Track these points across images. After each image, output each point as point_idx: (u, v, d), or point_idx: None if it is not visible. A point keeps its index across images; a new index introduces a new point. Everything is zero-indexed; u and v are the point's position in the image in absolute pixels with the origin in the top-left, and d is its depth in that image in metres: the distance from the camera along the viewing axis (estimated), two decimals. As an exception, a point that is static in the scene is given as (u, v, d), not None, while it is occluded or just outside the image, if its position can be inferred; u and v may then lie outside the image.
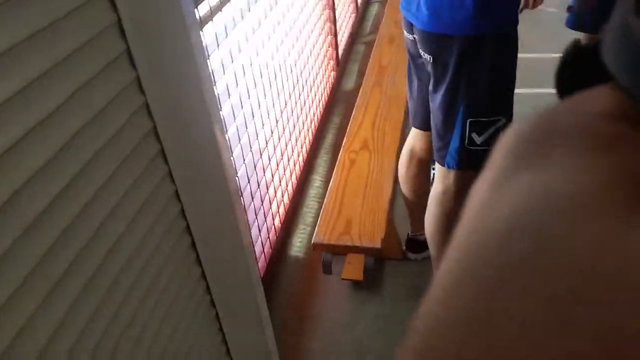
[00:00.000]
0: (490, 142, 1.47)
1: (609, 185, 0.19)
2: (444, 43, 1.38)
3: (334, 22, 2.81)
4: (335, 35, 2.86)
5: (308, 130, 2.42)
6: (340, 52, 3.03)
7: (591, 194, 0.19)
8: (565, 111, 0.24)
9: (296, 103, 2.20)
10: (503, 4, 1.34)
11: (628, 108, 0.22)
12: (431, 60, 1.44)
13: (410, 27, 1.50)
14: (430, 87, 1.50)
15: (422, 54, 1.48)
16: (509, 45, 1.40)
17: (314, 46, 2.49)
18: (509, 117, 1.47)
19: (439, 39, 1.39)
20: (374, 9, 3.98)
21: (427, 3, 1.36)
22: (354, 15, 3.52)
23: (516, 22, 1.39)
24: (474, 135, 1.46)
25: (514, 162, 0.23)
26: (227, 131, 1.48)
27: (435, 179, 1.63)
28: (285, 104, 2.05)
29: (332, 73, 2.90)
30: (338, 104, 2.88)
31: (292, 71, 2.14)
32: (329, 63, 2.82)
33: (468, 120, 1.44)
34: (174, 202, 0.97)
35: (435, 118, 1.52)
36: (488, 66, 1.37)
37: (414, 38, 1.49)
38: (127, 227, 0.81)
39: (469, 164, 1.50)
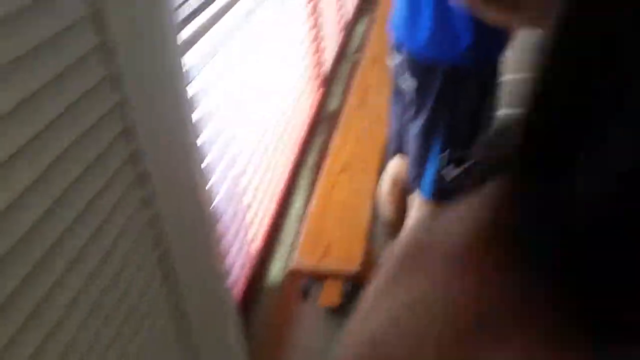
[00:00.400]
0: (466, 176, 1.47)
1: (452, 309, 0.24)
2: (431, 69, 1.37)
3: (319, 40, 2.82)
4: (321, 54, 2.87)
5: (291, 150, 2.41)
6: (325, 71, 3.03)
7: (433, 319, 0.24)
8: (441, 229, 0.29)
9: (278, 123, 2.19)
10: (498, 37, 1.34)
11: (493, 231, 0.26)
12: (415, 85, 1.43)
13: (399, 47, 1.48)
14: (410, 114, 1.48)
15: (406, 77, 1.46)
16: (495, 78, 1.40)
17: (298, 65, 2.49)
18: None
19: (427, 64, 1.38)
20: (361, 28, 4.00)
21: (428, 25, 1.33)
22: (341, 34, 3.53)
23: (504, 56, 1.39)
24: (449, 167, 1.45)
25: (394, 273, 0.29)
26: (205, 155, 1.46)
27: (411, 208, 1.62)
28: (268, 125, 2.04)
29: (317, 92, 2.90)
30: (322, 124, 2.87)
31: (275, 90, 2.13)
32: (313, 82, 2.82)
33: (445, 152, 1.43)
34: (148, 229, 0.95)
35: (412, 146, 1.51)
36: (472, 99, 1.37)
37: (400, 59, 1.48)
38: (101, 260, 0.79)
39: (444, 196, 1.48)
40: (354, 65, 3.34)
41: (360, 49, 3.61)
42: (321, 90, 2.94)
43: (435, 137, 1.43)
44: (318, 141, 2.75)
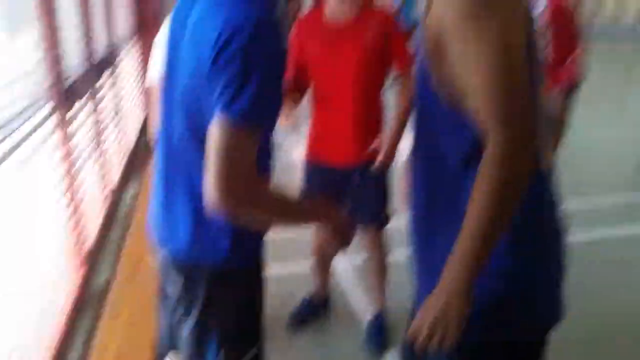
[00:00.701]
0: None
1: None
2: (195, 269, 1.27)
3: (79, 216, 2.54)
4: (81, 232, 2.57)
5: (46, 346, 2.01)
6: (89, 246, 2.72)
7: None
8: None
9: (19, 313, 1.82)
10: (257, 239, 1.31)
11: None
12: (181, 284, 1.31)
13: (161, 246, 1.35)
14: (179, 313, 1.35)
15: (171, 276, 1.34)
16: (259, 276, 1.34)
17: (50, 250, 2.17)
18: (259, 346, 1.37)
19: (190, 264, 1.27)
20: (130, 193, 3.79)
21: (187, 228, 1.23)
22: (106, 202, 3.27)
23: (264, 254, 1.35)
24: None
25: None
26: None
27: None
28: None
29: (79, 272, 2.56)
30: (88, 307, 2.51)
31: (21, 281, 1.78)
32: (72, 261, 2.48)
33: (220, 352, 1.31)
34: None
35: (186, 346, 1.36)
36: (238, 298, 1.29)
37: (163, 258, 1.35)
38: None
39: None
40: (124, 234, 3.08)
41: (128, 215, 3.37)
42: (83, 269, 2.60)
43: (208, 338, 1.30)
44: (83, 330, 2.37)
